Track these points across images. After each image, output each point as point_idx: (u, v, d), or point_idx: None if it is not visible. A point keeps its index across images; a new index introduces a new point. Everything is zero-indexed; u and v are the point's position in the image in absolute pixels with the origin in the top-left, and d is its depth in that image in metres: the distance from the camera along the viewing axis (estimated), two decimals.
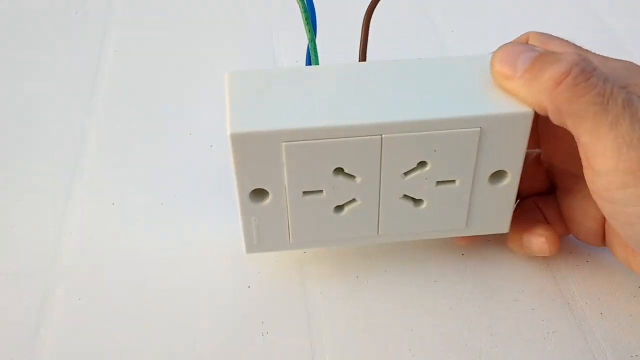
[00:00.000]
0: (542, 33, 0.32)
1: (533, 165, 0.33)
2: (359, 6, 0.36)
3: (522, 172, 0.30)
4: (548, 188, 0.34)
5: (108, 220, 0.36)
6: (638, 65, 0.30)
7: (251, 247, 0.31)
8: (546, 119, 0.28)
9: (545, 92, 0.27)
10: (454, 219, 0.31)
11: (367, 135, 0.28)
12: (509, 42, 0.29)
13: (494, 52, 0.29)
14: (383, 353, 0.30)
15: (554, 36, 0.32)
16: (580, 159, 0.28)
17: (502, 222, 0.31)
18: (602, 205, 0.28)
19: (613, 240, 0.31)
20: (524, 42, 0.32)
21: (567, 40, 0.31)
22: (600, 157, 0.26)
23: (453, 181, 0.30)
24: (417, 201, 0.30)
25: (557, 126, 0.28)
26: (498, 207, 0.31)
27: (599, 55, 0.31)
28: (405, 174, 0.29)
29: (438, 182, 0.30)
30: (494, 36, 0.50)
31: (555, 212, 0.33)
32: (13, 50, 0.50)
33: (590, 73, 0.26)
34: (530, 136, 0.29)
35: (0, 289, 0.32)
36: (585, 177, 0.28)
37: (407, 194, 0.30)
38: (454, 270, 0.33)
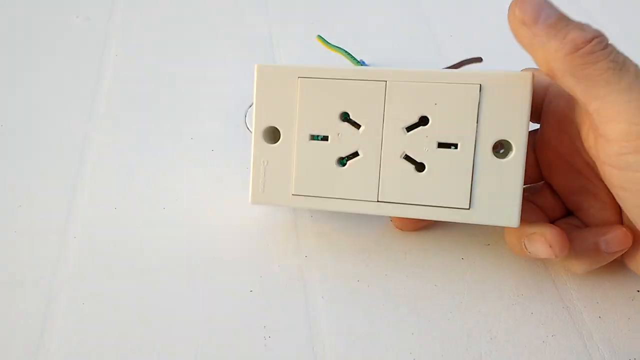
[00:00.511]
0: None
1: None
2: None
3: None
4: (538, 176, 0.34)
5: (111, 225, 0.37)
6: None
7: (256, 196, 0.33)
8: (543, 138, 0.29)
9: (561, 52, 0.27)
10: (457, 194, 0.31)
11: (373, 80, 0.31)
12: None
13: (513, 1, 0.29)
14: (384, 357, 0.30)
15: None
16: (580, 178, 0.29)
17: (510, 212, 0.30)
18: (611, 174, 0.28)
19: (632, 256, 0.32)
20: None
21: None
22: (612, 122, 0.27)
23: (455, 146, 0.30)
24: (418, 165, 0.31)
25: (554, 147, 0.29)
26: (504, 188, 0.30)
27: None
28: (407, 129, 0.31)
29: (439, 145, 0.31)
30: (492, 40, 0.50)
31: (549, 198, 0.33)
32: (14, 55, 0.50)
33: (606, 44, 0.27)
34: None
35: (4, 295, 0.33)
36: (595, 147, 0.28)
37: (408, 155, 0.31)
38: (454, 274, 0.34)
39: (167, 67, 0.49)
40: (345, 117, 0.32)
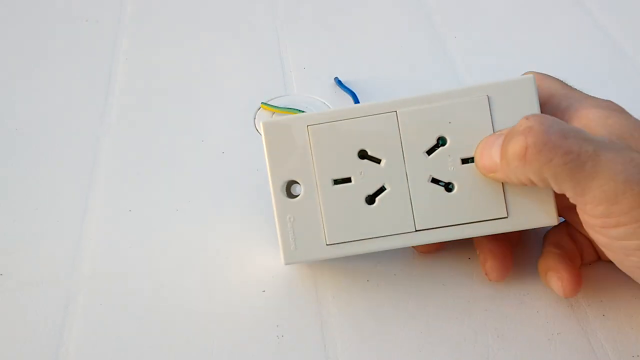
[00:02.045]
0: (541, 75, 0.33)
1: None
2: None
3: None
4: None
5: (125, 227, 0.37)
6: (618, 108, 0.30)
7: (289, 255, 0.32)
8: None
9: (520, 170, 0.28)
10: (492, 205, 0.31)
11: (383, 113, 0.31)
12: (487, 136, 0.30)
13: (475, 151, 0.31)
14: (394, 355, 0.31)
15: (550, 78, 0.33)
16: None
17: (547, 211, 0.31)
18: (597, 238, 0.29)
19: None
20: None
21: (563, 82, 0.32)
22: (590, 205, 0.27)
23: None
24: (447, 186, 0.31)
25: None
26: (536, 190, 0.31)
27: (579, 93, 0.32)
28: (428, 153, 0.31)
29: (463, 161, 0.31)
30: (496, 43, 0.51)
31: (585, 238, 0.33)
32: (26, 60, 0.51)
33: (547, 135, 0.27)
34: None
35: (23, 297, 0.34)
36: (580, 217, 0.29)
37: (434, 177, 0.31)
38: (462, 274, 0.35)
39: (177, 70, 0.49)
40: (363, 154, 0.31)
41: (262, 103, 0.44)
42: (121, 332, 0.32)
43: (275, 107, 0.43)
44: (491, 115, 0.31)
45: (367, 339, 0.32)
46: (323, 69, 0.49)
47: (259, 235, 0.37)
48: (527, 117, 0.28)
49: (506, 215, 0.31)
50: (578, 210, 0.29)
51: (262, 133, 0.31)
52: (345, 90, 0.43)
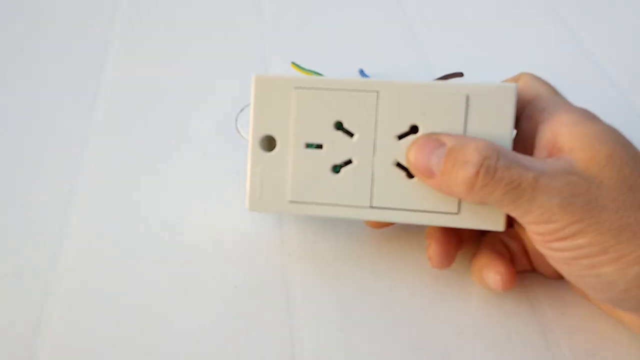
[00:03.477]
0: (533, 76, 0.34)
1: None
2: None
3: None
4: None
5: (106, 224, 0.39)
6: (589, 116, 0.31)
7: (254, 203, 0.34)
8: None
9: (463, 194, 0.30)
10: (446, 200, 0.32)
11: (365, 90, 0.32)
12: (422, 137, 0.31)
13: (409, 148, 0.32)
14: (358, 350, 0.32)
15: (541, 80, 0.34)
16: None
17: (496, 217, 0.32)
18: (541, 250, 0.31)
19: None
20: (515, 80, 0.34)
21: (552, 87, 0.33)
22: (532, 224, 0.30)
23: None
24: (409, 173, 0.32)
25: None
26: None
27: (561, 99, 0.33)
28: (399, 137, 0.32)
29: None
30: (472, 48, 0.52)
31: (520, 246, 0.35)
32: (16, 61, 0.52)
33: (495, 168, 0.29)
34: None
35: (1, 289, 0.35)
36: (526, 230, 0.31)
37: (400, 162, 0.32)
38: (427, 273, 0.36)
39: (165, 74, 0.51)
40: (339, 126, 0.33)
41: (292, 63, 0.45)
42: (97, 325, 0.33)
43: (302, 68, 0.45)
44: (465, 115, 0.32)
45: (333, 334, 0.33)
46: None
47: (233, 233, 0.38)
48: (477, 146, 0.29)
49: (456, 212, 0.32)
50: (523, 225, 0.31)
51: (253, 85, 0.33)
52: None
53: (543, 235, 0.29)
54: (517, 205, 0.29)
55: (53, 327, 0.33)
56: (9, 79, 0.50)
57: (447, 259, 0.34)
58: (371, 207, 0.33)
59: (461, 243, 0.35)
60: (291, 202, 0.34)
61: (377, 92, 0.32)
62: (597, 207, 0.28)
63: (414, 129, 0.32)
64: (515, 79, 0.34)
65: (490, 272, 0.33)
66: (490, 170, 0.29)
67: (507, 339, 0.32)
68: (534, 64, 0.51)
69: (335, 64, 0.51)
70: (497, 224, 0.32)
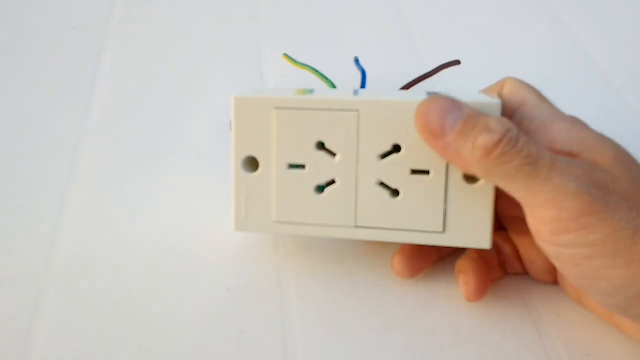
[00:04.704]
0: (518, 82, 0.33)
1: None
2: None
3: None
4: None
5: (99, 227, 0.39)
6: (580, 123, 0.31)
7: (239, 224, 0.34)
8: None
9: (474, 159, 0.28)
10: (431, 219, 0.32)
11: (346, 110, 0.32)
12: (434, 96, 0.30)
13: (419, 105, 0.29)
14: (352, 351, 0.32)
15: (527, 86, 0.33)
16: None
17: (482, 235, 0.32)
18: (546, 248, 0.29)
19: (564, 279, 0.33)
20: (499, 89, 0.33)
21: (539, 93, 0.33)
22: (540, 208, 0.28)
23: (427, 172, 0.31)
24: (393, 191, 0.32)
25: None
26: (476, 212, 0.31)
27: (549, 105, 0.32)
28: (382, 157, 0.32)
29: (413, 171, 0.32)
30: (467, 47, 0.52)
31: (513, 251, 0.35)
32: (10, 64, 0.52)
33: (517, 140, 0.27)
34: None
35: None
36: (528, 223, 0.29)
37: (383, 181, 0.32)
38: (422, 274, 0.35)
39: (159, 77, 0.51)
40: (321, 146, 0.32)
41: (284, 54, 0.45)
42: (88, 329, 0.33)
43: (295, 60, 0.44)
44: None
45: (326, 337, 0.33)
46: (300, 77, 0.50)
47: (227, 236, 0.37)
48: (499, 119, 0.28)
49: (442, 231, 0.32)
50: (527, 217, 0.29)
51: (232, 106, 0.32)
52: (360, 70, 0.44)
53: (552, 224, 0.27)
54: (531, 182, 0.27)
55: (45, 330, 0.33)
56: (1, 81, 0.50)
57: (410, 270, 0.34)
58: (356, 226, 0.33)
59: (440, 255, 0.35)
60: (277, 222, 0.33)
61: (358, 111, 0.31)
62: (613, 203, 0.27)
63: (397, 148, 0.32)
64: (500, 84, 0.34)
65: (461, 280, 0.33)
66: (512, 140, 0.27)
67: (503, 340, 0.32)
68: (529, 64, 0.51)
69: (332, 62, 0.51)
70: (483, 242, 0.32)
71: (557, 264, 0.29)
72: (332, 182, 0.33)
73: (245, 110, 0.33)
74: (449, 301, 0.34)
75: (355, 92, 0.34)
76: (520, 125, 0.31)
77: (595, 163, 0.29)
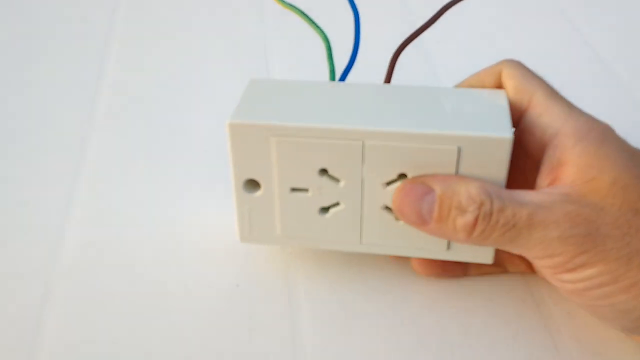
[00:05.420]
0: (519, 68, 0.32)
1: None
2: None
3: None
4: None
5: (106, 223, 0.38)
6: (594, 124, 0.30)
7: (244, 237, 0.34)
8: None
9: (459, 240, 0.29)
10: (435, 242, 0.32)
11: (349, 140, 0.30)
12: (405, 183, 0.30)
13: (393, 197, 0.30)
14: (361, 349, 0.32)
15: (526, 69, 0.32)
16: None
17: (485, 251, 0.32)
18: (550, 280, 0.30)
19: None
20: (497, 72, 0.32)
21: (543, 81, 0.31)
22: (535, 259, 0.29)
23: None
24: None
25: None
26: None
27: (565, 103, 0.31)
28: (387, 184, 0.31)
29: None
30: (476, 45, 0.52)
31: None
32: (16, 59, 0.52)
33: (490, 213, 0.28)
34: None
35: (1, 289, 0.34)
36: (530, 261, 0.30)
37: (388, 206, 0.31)
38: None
39: (165, 72, 0.51)
40: (324, 172, 0.31)
41: None
42: (96, 325, 0.33)
43: (283, 2, 0.40)
44: (457, 166, 0.30)
45: (335, 334, 0.32)
46: (307, 73, 0.50)
47: (234, 231, 0.37)
48: (470, 193, 0.28)
49: (446, 248, 0.32)
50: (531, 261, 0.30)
51: (227, 133, 0.31)
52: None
53: (551, 268, 0.29)
54: (517, 245, 0.28)
55: (53, 325, 0.33)
56: (8, 78, 0.50)
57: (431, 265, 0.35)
58: (361, 243, 0.33)
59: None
60: (281, 235, 0.33)
61: (362, 141, 0.30)
62: (600, 236, 0.27)
63: (402, 176, 0.31)
64: (498, 68, 0.32)
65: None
66: (487, 215, 0.28)
67: (514, 338, 0.32)
68: (536, 58, 0.51)
69: (337, 60, 0.51)
70: (486, 257, 0.32)
71: (562, 293, 0.30)
72: (337, 203, 0.32)
73: (241, 137, 0.31)
74: (459, 300, 0.34)
75: (359, 90, 0.33)
76: (531, 133, 0.30)
77: (587, 187, 0.28)
